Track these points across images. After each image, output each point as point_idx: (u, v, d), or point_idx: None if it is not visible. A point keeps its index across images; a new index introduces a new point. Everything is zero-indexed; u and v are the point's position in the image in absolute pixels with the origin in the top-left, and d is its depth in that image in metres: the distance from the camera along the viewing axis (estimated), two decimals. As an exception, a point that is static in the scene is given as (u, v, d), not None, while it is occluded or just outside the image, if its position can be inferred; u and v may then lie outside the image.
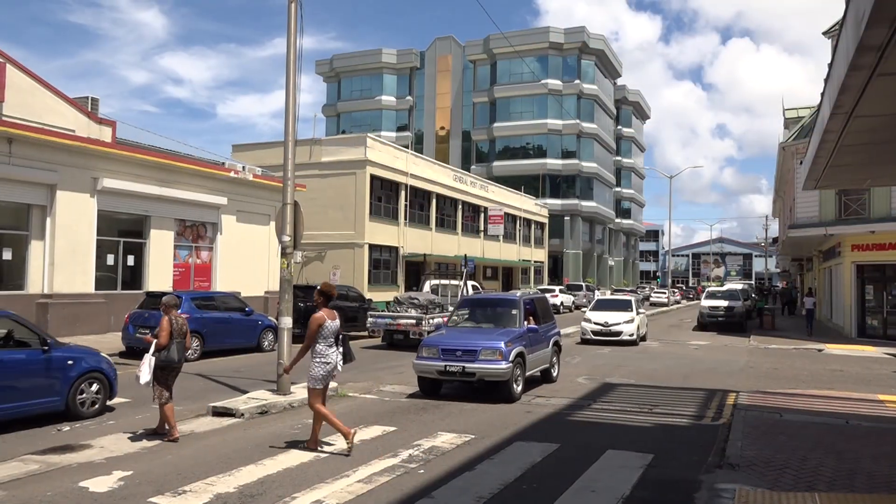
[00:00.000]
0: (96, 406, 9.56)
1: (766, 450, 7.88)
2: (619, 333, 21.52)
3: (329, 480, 6.71)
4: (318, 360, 7.58)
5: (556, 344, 13.73)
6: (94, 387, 9.54)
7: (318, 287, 7.80)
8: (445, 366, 10.91)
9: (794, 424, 9.42)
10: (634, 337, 21.70)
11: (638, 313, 22.79)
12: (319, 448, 7.80)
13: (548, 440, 8.52)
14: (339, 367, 7.76)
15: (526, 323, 12.24)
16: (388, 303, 23.24)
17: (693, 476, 7.05)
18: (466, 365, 10.81)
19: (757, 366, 16.89)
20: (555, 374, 13.51)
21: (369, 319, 20.22)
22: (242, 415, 9.58)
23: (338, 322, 7.74)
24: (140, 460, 7.34)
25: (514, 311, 12.37)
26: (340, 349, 7.77)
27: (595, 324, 22.05)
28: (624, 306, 23.04)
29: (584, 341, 21.97)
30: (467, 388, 11.98)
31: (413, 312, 19.47)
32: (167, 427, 8.28)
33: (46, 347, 8.96)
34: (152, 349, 8.20)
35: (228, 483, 6.58)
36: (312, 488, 6.47)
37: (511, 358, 10.86)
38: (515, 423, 9.56)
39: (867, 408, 9.89)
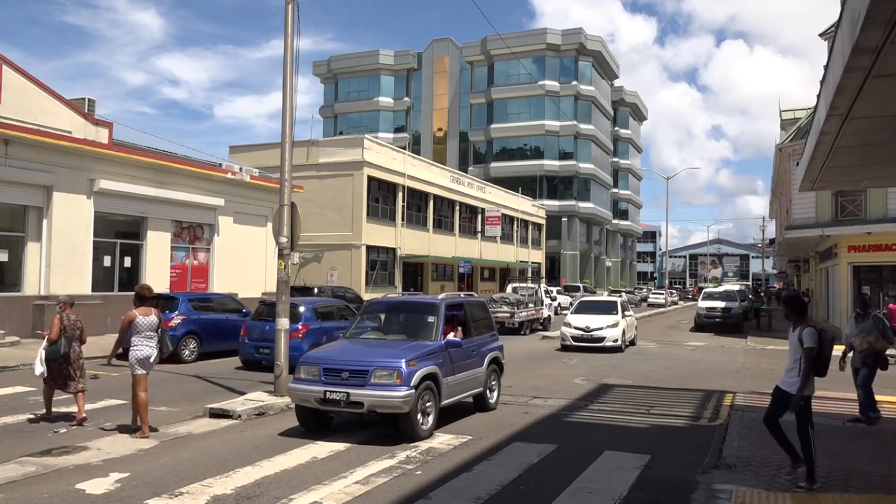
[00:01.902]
0: None
1: (762, 450, 7.89)
2: (601, 339, 19.60)
3: (326, 482, 6.71)
4: (132, 350, 8.61)
5: (496, 362, 10.82)
6: None
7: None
8: (325, 392, 8.23)
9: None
10: (619, 343, 19.77)
11: (624, 316, 20.92)
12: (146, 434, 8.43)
13: (545, 441, 8.53)
14: (153, 359, 8.67)
15: (452, 335, 9.93)
16: None
17: (690, 477, 7.06)
18: (352, 391, 8.14)
19: (754, 366, 16.92)
20: (493, 401, 10.64)
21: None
22: (240, 416, 9.57)
23: (153, 318, 8.72)
24: (137, 462, 7.34)
25: (429, 319, 9.50)
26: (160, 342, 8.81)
27: (575, 328, 20.14)
28: (608, 309, 21.17)
29: (564, 348, 20.18)
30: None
31: (505, 308, 24.89)
32: (77, 413, 9.04)
33: None
34: (44, 343, 9.08)
35: (226, 485, 6.58)
36: (310, 490, 6.47)
37: (414, 382, 8.18)
38: (513, 424, 9.56)
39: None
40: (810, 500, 6.00)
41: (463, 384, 9.61)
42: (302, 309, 15.05)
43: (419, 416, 8.41)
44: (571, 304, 42.34)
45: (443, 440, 8.53)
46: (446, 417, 9.94)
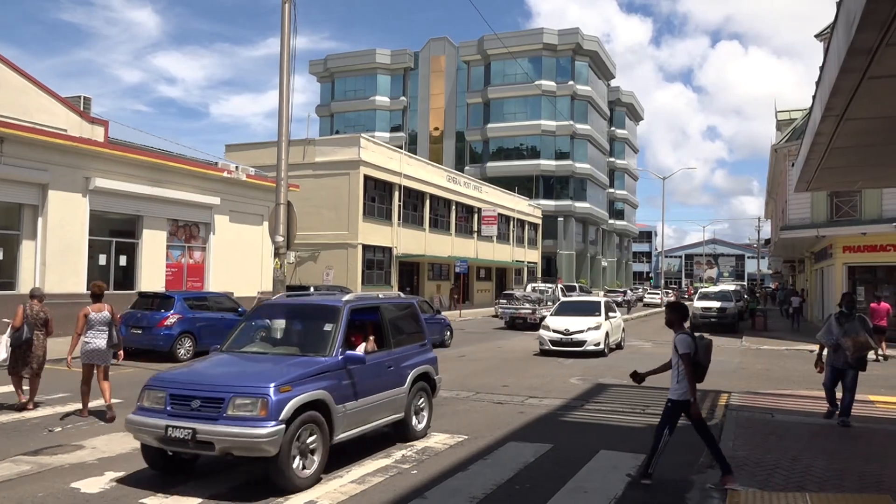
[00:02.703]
0: None
1: (757, 450, 7.92)
2: (581, 343, 18.23)
3: (322, 481, 6.71)
4: (84, 342, 9.49)
5: (425, 378, 8.77)
6: None
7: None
8: (167, 427, 6.21)
9: (785, 425, 9.48)
10: (601, 347, 18.39)
11: (608, 317, 19.62)
12: (84, 415, 9.41)
13: (541, 441, 8.54)
14: (104, 350, 9.49)
15: (363, 346, 8.18)
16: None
17: (685, 476, 7.08)
18: (201, 427, 6.10)
19: (749, 366, 16.97)
20: (420, 427, 8.53)
21: (499, 309, 30.09)
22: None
23: (105, 313, 9.56)
24: (132, 461, 7.32)
25: (325, 327, 7.48)
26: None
27: (553, 331, 18.71)
28: (590, 310, 19.85)
29: (543, 352, 18.73)
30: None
31: (528, 305, 28.10)
32: (20, 397, 9.95)
33: None
34: (9, 331, 9.85)
35: (221, 483, 6.57)
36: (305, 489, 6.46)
37: (286, 414, 6.17)
38: (508, 424, 9.57)
39: (857, 408, 9.95)
40: (804, 500, 6.02)
41: (373, 410, 7.57)
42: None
43: (295, 459, 6.33)
44: None
45: (438, 439, 8.53)
46: (442, 418, 9.93)
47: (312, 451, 6.58)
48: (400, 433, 8.35)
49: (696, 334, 6.95)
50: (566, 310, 20.32)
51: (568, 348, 18.31)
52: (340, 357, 7.14)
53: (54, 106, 19.68)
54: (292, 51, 11.57)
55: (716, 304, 30.12)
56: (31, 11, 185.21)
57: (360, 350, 7.93)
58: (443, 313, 23.15)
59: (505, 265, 50.93)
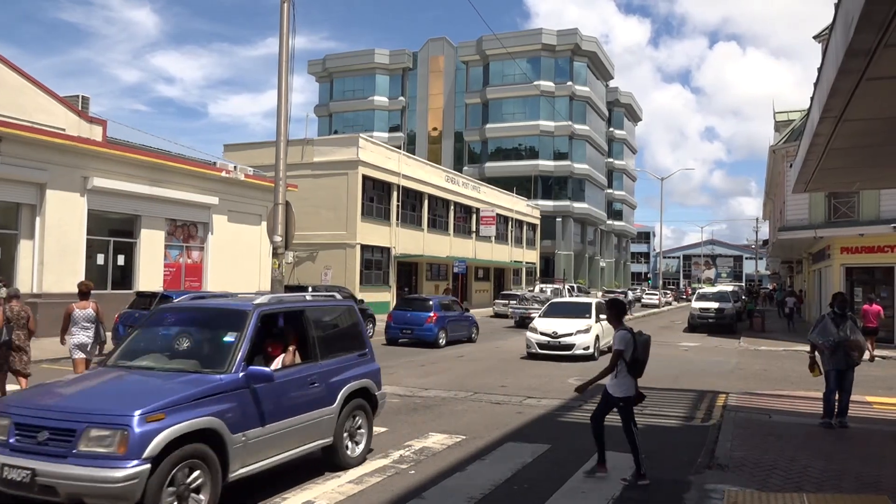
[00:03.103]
0: None
1: (755, 450, 7.93)
2: (570, 346, 17.37)
3: (319, 481, 6.71)
4: (69, 338, 9.97)
5: (363, 395, 7.51)
6: None
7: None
8: (4, 467, 5.03)
9: (783, 425, 9.48)
10: (591, 351, 17.55)
11: (599, 320, 18.45)
12: None
13: (539, 441, 8.54)
14: (88, 346, 9.95)
15: (280, 359, 6.84)
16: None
17: (683, 477, 7.08)
18: (42, 467, 4.93)
19: (747, 367, 16.99)
20: (356, 454, 7.30)
21: (510, 310, 31.51)
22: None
23: (90, 310, 9.98)
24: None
25: (227, 338, 6.26)
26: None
27: (541, 334, 17.90)
28: (580, 311, 18.89)
29: (530, 356, 17.90)
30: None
31: (537, 305, 29.05)
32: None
33: None
34: None
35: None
36: (303, 488, 6.47)
37: (152, 450, 4.99)
38: (507, 424, 9.57)
39: (855, 409, 9.96)
40: (802, 501, 6.02)
41: (287, 436, 6.32)
42: (431, 302, 21.07)
43: None
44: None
45: (436, 440, 8.53)
46: (440, 418, 9.93)
47: (196, 490, 5.35)
48: (329, 460, 7.06)
49: (636, 331, 7.10)
50: (555, 311, 19.43)
51: (555, 352, 17.45)
52: (242, 374, 5.89)
53: (53, 105, 19.66)
54: (291, 51, 11.57)
55: (714, 305, 30.14)
56: (30, 11, 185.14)
57: (276, 363, 6.71)
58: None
59: (503, 265, 50.94)
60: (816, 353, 9.65)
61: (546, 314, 19.41)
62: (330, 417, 6.92)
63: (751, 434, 8.83)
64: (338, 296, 8.01)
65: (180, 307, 7.26)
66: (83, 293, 10.22)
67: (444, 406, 10.88)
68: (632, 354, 6.82)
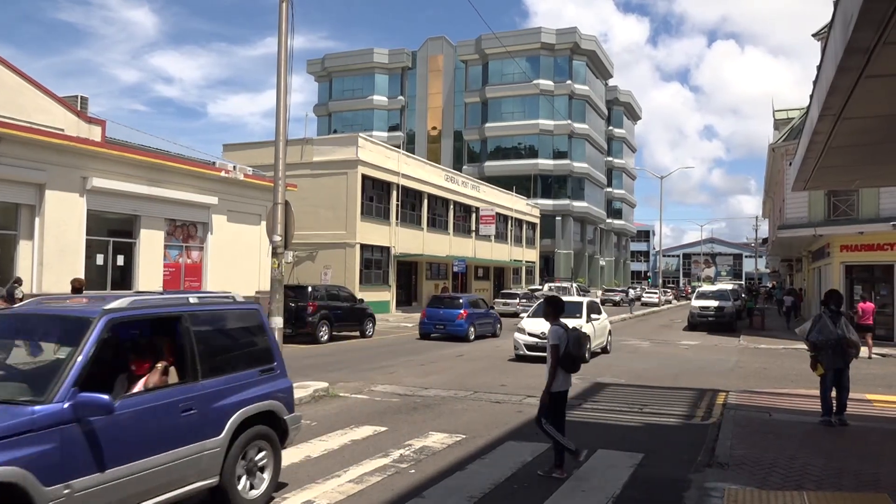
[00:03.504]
0: None
1: (754, 449, 7.93)
2: None
3: (320, 480, 6.71)
4: None
5: (265, 420, 6.06)
6: None
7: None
8: None
9: (783, 423, 9.49)
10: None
11: (590, 320, 17.67)
12: None
13: (539, 440, 8.51)
14: None
15: (142, 381, 5.37)
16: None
17: (683, 475, 7.08)
18: None
19: (746, 365, 16.99)
20: (256, 493, 5.87)
21: (518, 307, 33.84)
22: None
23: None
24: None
25: (59, 354, 4.93)
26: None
27: (529, 335, 16.98)
28: (571, 311, 16.98)
29: (519, 358, 17.12)
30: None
31: None
32: None
33: None
34: None
35: (219, 483, 6.55)
36: (303, 488, 6.46)
37: None
38: (506, 423, 9.57)
39: (855, 407, 9.96)
40: (802, 499, 6.02)
41: (145, 482, 4.87)
42: (462, 300, 22.56)
43: None
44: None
45: (436, 439, 8.53)
46: (440, 417, 9.94)
47: None
48: (218, 502, 5.60)
49: (570, 327, 7.31)
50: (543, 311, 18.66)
51: (545, 353, 16.50)
52: (68, 404, 4.42)
53: (51, 105, 19.63)
54: (290, 50, 11.55)
55: (713, 304, 30.16)
56: (29, 11, 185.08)
57: (138, 386, 5.28)
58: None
59: (503, 264, 50.94)
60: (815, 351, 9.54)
61: (535, 314, 18.14)
62: (214, 452, 5.44)
63: (751, 432, 8.83)
64: (238, 297, 6.43)
65: (7, 314, 5.69)
66: (76, 289, 10.87)
67: (444, 405, 10.88)
68: (565, 349, 7.01)
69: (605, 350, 19.07)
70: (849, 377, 9.52)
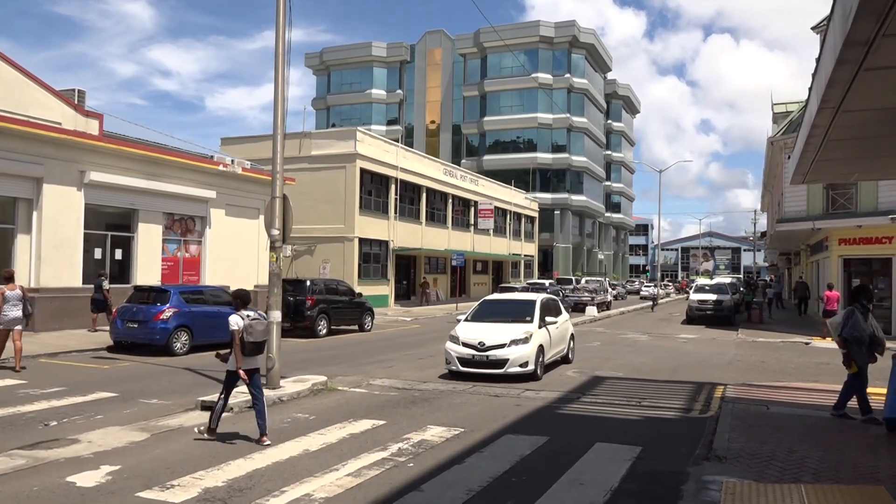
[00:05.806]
0: None
1: (752, 442, 7.95)
2: (500, 363, 12.40)
3: (318, 474, 6.71)
4: (4, 314, 12.45)
5: None
6: None
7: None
8: None
9: (781, 417, 9.51)
10: (530, 368, 12.54)
11: (545, 324, 13.63)
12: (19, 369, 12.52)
13: (537, 433, 8.55)
14: (19, 319, 12.54)
15: None
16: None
17: (681, 468, 7.10)
18: None
19: (745, 359, 17.02)
20: None
21: (566, 297, 32.99)
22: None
23: (17, 291, 12.60)
24: (128, 454, 7.31)
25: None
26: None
27: (463, 345, 12.78)
28: (518, 313, 13.77)
29: (452, 375, 12.99)
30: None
31: (587, 294, 36.53)
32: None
33: None
34: None
35: (217, 477, 6.57)
36: (301, 482, 6.47)
37: None
38: (505, 417, 9.58)
39: (853, 400, 9.97)
40: (800, 492, 6.03)
41: None
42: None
43: None
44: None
45: (435, 433, 8.54)
46: (438, 411, 9.95)
47: None
48: None
49: (259, 314, 8.11)
50: (485, 314, 14.20)
51: (482, 370, 12.54)
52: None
53: (48, 99, 19.56)
54: (287, 44, 11.50)
55: (712, 297, 30.16)
56: (25, 5, 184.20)
57: None
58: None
59: (502, 258, 50.95)
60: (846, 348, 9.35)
61: (473, 318, 14.15)
62: None
63: (749, 425, 8.85)
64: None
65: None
66: (7, 278, 12.64)
67: (442, 399, 10.89)
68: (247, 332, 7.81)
69: (565, 359, 15.26)
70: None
